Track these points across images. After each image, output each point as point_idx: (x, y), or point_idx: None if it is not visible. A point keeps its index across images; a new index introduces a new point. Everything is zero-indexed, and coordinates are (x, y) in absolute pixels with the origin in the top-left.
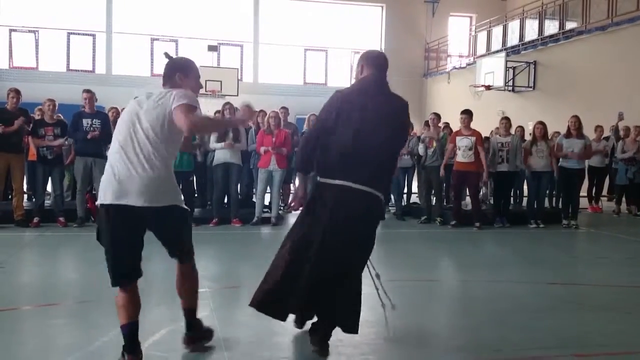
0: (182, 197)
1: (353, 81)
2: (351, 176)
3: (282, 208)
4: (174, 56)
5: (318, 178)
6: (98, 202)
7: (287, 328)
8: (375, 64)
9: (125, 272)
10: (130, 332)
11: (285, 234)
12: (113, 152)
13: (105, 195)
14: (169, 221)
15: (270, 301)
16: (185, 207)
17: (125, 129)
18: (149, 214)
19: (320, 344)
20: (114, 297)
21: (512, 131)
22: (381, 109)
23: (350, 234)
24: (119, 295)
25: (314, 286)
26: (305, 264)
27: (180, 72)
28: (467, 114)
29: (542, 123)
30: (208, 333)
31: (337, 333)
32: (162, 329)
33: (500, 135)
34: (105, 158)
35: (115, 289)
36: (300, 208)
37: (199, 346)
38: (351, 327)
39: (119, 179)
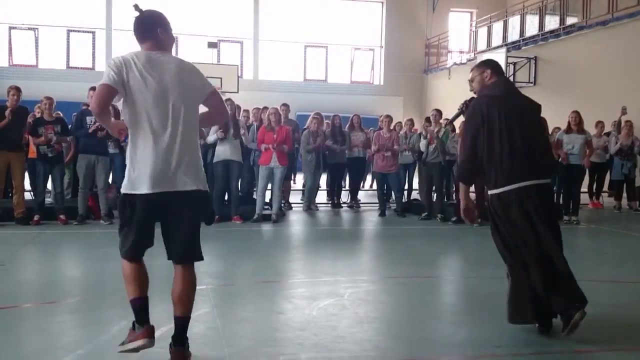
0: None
1: (476, 86)
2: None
3: (283, 205)
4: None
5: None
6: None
7: (288, 324)
8: (501, 71)
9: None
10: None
11: (286, 231)
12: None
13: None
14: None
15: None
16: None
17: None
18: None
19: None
20: (117, 294)
21: None
22: (527, 106)
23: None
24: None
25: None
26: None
27: (160, 27)
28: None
29: (542, 118)
30: (189, 354)
31: (338, 329)
32: (164, 325)
33: None
34: (108, 155)
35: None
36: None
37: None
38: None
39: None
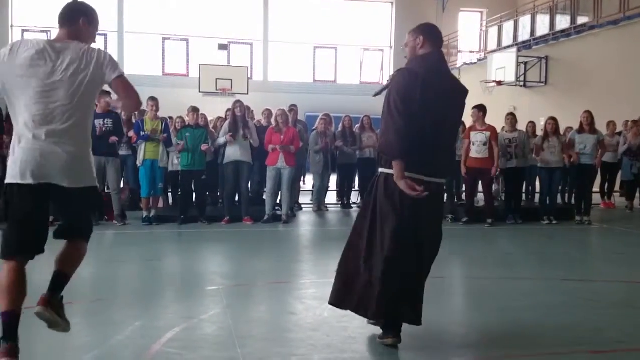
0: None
1: (409, 53)
2: (429, 169)
3: (294, 206)
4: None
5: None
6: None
7: (299, 325)
8: (436, 41)
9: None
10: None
11: (296, 231)
12: (22, 125)
13: (25, 174)
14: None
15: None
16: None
17: (36, 97)
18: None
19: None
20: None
21: (520, 127)
22: (450, 91)
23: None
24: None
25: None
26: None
27: (84, 17)
28: (479, 108)
29: (553, 119)
30: (66, 322)
31: (350, 330)
32: (177, 326)
33: (506, 132)
34: (118, 157)
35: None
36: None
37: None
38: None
39: (39, 157)
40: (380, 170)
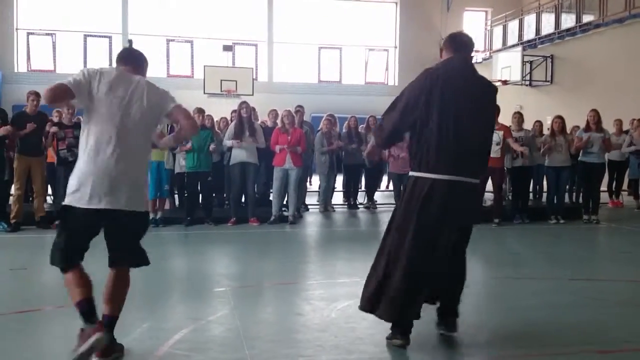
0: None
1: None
2: (454, 168)
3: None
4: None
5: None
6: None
7: (307, 326)
8: (457, 46)
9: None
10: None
11: (303, 232)
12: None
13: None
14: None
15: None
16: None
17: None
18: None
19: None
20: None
21: (527, 126)
22: (473, 92)
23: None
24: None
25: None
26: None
27: (146, 64)
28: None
29: (560, 117)
30: (120, 348)
31: (357, 331)
32: (184, 327)
33: (513, 131)
34: None
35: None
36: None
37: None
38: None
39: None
40: (410, 173)
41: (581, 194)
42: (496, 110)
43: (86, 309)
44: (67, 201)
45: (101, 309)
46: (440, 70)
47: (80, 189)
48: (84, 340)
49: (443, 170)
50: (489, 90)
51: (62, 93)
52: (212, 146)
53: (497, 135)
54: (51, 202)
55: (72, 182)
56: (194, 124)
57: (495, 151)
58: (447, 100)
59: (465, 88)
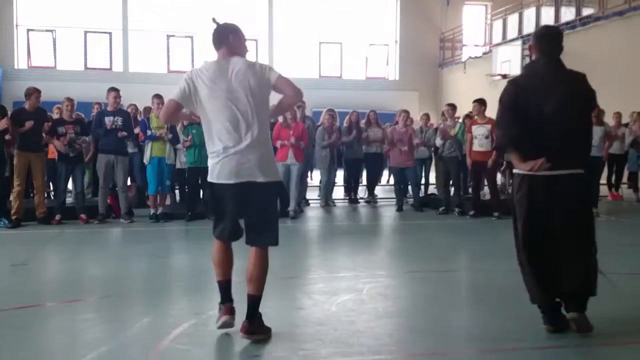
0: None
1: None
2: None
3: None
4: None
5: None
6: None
7: (307, 319)
8: (545, 47)
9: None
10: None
11: (304, 227)
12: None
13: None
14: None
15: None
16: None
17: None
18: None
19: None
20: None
21: None
22: (555, 89)
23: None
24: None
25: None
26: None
27: (232, 34)
28: (480, 102)
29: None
30: (267, 330)
31: (357, 324)
32: (185, 322)
33: None
34: (127, 155)
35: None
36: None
37: (257, 339)
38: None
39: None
40: (514, 171)
41: None
42: (589, 100)
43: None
44: None
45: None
46: (521, 78)
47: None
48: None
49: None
50: (575, 82)
51: (173, 111)
52: None
53: (486, 129)
54: (52, 198)
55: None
56: (298, 92)
57: (485, 145)
58: (528, 101)
59: (546, 88)
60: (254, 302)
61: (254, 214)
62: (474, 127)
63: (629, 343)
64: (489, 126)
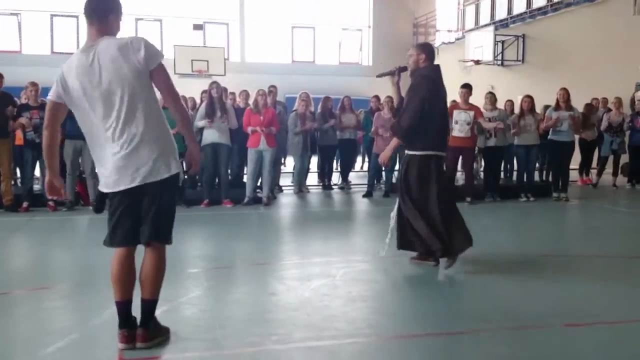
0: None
1: (412, 65)
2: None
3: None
4: None
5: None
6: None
7: (280, 305)
8: (433, 57)
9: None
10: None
11: (277, 213)
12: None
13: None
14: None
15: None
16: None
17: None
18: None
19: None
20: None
21: (500, 105)
22: (444, 92)
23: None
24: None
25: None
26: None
27: (113, 14)
28: (467, 88)
29: (529, 96)
30: (165, 331)
31: (331, 309)
32: (157, 309)
33: (486, 110)
34: None
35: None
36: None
37: (156, 344)
38: None
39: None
40: (407, 152)
41: (551, 172)
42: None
43: None
44: None
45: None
46: (436, 78)
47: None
48: None
49: (436, 148)
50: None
51: (52, 111)
52: (174, 131)
53: (468, 115)
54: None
55: None
56: (175, 97)
57: (465, 131)
58: (439, 99)
59: (443, 89)
60: (149, 307)
61: (150, 214)
62: (455, 112)
63: (597, 323)
64: (472, 112)
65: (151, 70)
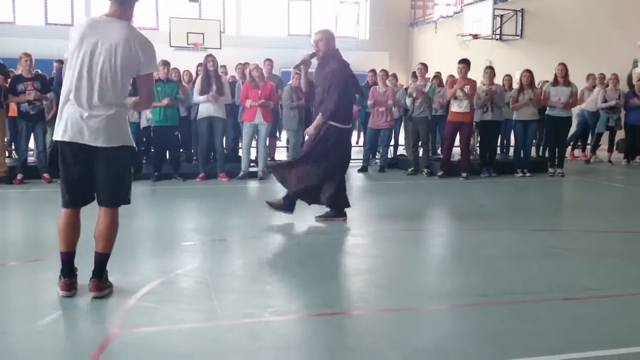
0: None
1: (323, 47)
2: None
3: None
4: None
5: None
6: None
7: (276, 277)
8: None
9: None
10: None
11: (272, 187)
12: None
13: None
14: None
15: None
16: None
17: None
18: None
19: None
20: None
21: (497, 80)
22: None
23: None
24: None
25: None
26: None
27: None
28: (465, 63)
29: (528, 71)
30: (110, 284)
31: (327, 281)
32: (153, 281)
33: (484, 85)
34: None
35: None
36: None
37: (105, 294)
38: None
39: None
40: (330, 122)
41: (547, 148)
42: None
43: None
44: None
45: None
46: (344, 60)
47: None
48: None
49: (347, 122)
50: None
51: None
52: (164, 101)
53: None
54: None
55: None
56: (148, 101)
57: (464, 106)
58: (354, 82)
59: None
60: (102, 259)
61: (103, 177)
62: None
63: (593, 297)
64: (469, 87)
65: (139, 75)
